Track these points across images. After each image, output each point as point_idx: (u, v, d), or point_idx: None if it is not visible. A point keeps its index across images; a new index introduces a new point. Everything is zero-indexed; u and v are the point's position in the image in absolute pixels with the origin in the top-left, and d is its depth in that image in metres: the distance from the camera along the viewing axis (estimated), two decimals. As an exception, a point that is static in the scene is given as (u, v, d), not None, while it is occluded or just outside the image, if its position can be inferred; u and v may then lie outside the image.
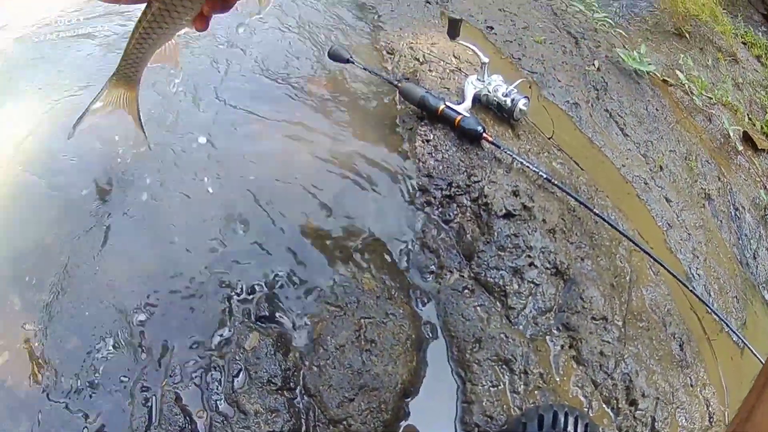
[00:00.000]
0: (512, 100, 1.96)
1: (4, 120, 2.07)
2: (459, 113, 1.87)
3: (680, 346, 1.92)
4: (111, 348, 1.43)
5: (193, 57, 2.26)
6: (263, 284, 1.53)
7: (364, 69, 2.01)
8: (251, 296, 1.51)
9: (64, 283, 1.54)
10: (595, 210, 1.91)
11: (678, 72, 3.10)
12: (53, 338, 1.44)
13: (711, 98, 3.21)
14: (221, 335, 1.45)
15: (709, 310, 1.99)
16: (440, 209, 1.74)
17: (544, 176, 1.86)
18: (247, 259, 1.58)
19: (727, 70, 3.67)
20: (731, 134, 3.02)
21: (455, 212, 1.74)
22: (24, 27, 2.63)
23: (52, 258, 1.59)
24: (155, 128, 1.94)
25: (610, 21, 3.06)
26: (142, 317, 1.48)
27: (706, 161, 2.79)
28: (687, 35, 3.55)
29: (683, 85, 3.07)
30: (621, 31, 3.05)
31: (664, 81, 3.00)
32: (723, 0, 4.38)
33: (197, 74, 2.18)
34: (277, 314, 1.50)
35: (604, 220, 1.91)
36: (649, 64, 2.85)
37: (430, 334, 1.59)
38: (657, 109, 2.67)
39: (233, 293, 1.51)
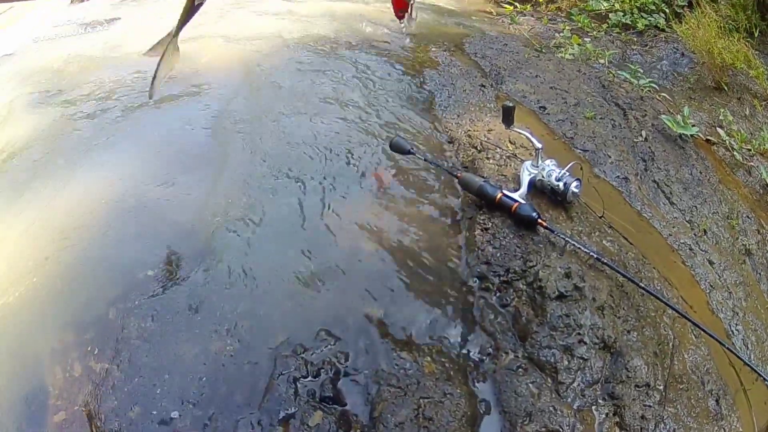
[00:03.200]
0: (564, 183, 1.81)
1: (73, 197, 2.06)
2: (515, 200, 1.73)
3: (716, 401, 1.76)
4: (173, 420, 1.37)
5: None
6: (328, 368, 1.47)
7: (425, 160, 1.87)
8: (317, 378, 1.45)
9: (126, 355, 1.50)
10: (641, 284, 1.76)
11: (719, 129, 2.80)
12: (112, 405, 1.40)
13: (750, 149, 2.87)
14: (287, 412, 1.39)
15: (745, 363, 1.80)
16: (498, 294, 1.63)
17: (595, 256, 1.70)
18: (313, 344, 1.52)
19: (764, 116, 3.29)
20: (769, 183, 2.68)
21: (512, 297, 1.62)
22: (83, 102, 2.65)
23: (115, 332, 1.55)
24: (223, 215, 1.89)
25: (654, 86, 2.80)
26: (207, 393, 1.42)
27: (746, 216, 2.52)
28: (725, 87, 3.19)
29: (725, 142, 2.75)
30: (665, 94, 2.79)
31: (708, 140, 2.71)
32: (756, 41, 3.93)
33: (260, 163, 2.13)
34: (340, 395, 1.43)
35: (649, 292, 1.77)
36: (693, 126, 2.59)
37: (485, 411, 1.49)
38: (701, 172, 2.42)
39: (299, 375, 1.45)
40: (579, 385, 1.56)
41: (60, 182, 2.12)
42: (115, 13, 3.83)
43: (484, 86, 2.57)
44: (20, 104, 2.75)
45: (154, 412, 1.38)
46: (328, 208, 1.90)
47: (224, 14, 3.55)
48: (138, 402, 1.40)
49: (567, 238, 1.71)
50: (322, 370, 1.44)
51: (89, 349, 1.50)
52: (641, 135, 2.39)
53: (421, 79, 2.60)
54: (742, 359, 1.76)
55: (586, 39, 3.39)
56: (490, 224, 1.74)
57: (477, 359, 1.53)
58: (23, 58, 3.33)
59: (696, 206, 2.28)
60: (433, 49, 3.09)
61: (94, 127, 2.46)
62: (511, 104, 1.85)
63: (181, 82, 2.74)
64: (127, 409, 1.38)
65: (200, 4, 0.66)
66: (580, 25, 3.73)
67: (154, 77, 0.80)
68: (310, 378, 1.43)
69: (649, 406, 1.58)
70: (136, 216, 1.93)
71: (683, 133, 2.51)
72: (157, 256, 1.77)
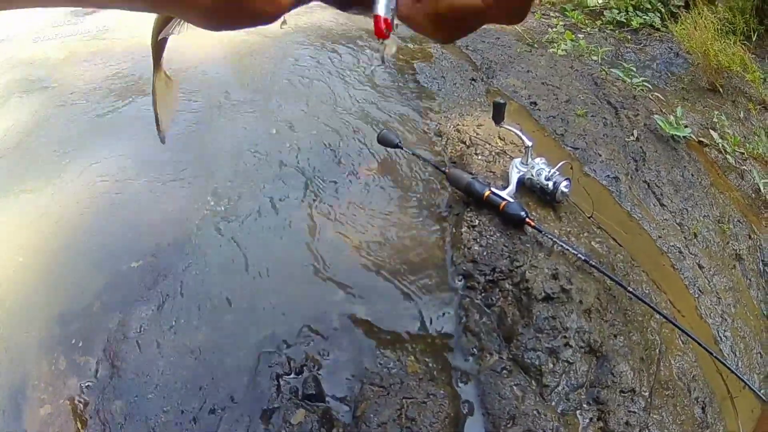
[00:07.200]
0: (554, 183, 1.82)
1: (60, 187, 2.06)
2: (504, 198, 1.74)
3: (702, 408, 1.79)
4: (156, 414, 1.38)
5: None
6: (311, 365, 1.47)
7: (413, 154, 1.88)
8: (299, 375, 1.45)
9: (111, 348, 1.50)
10: (629, 288, 1.77)
11: (712, 132, 2.84)
12: (98, 399, 1.41)
13: (743, 153, 2.93)
14: (269, 409, 1.39)
15: (731, 371, 1.83)
16: (483, 294, 1.63)
17: (583, 258, 1.71)
18: (296, 341, 1.52)
19: (758, 120, 3.36)
20: (762, 188, 2.74)
21: (497, 297, 1.62)
22: (74, 91, 2.62)
23: (99, 324, 1.56)
24: (212, 207, 1.89)
25: (647, 85, 2.84)
26: (188, 389, 1.42)
27: (738, 221, 2.56)
28: (720, 89, 3.25)
29: (717, 144, 2.80)
30: (658, 94, 2.82)
31: (700, 142, 2.75)
32: (753, 45, 4.01)
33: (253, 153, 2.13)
34: (323, 393, 1.43)
35: (637, 297, 1.77)
36: (686, 127, 2.62)
37: (468, 412, 1.49)
38: (693, 174, 2.45)
39: (282, 372, 1.45)
40: (564, 388, 1.56)
41: (48, 174, 2.11)
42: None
43: (474, 80, 2.57)
44: (9, 92, 2.72)
45: (137, 406, 1.38)
46: (313, 203, 1.90)
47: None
48: (121, 396, 1.40)
49: (555, 239, 1.72)
50: (305, 367, 1.44)
51: (74, 342, 1.51)
52: (633, 134, 2.41)
53: (412, 72, 2.59)
54: (728, 367, 1.78)
55: (579, 35, 3.42)
56: (478, 222, 1.73)
57: (461, 360, 1.53)
58: (14, 45, 3.28)
59: (687, 209, 2.31)
60: (424, 41, 3.10)
61: (84, 116, 2.45)
62: (502, 101, 1.86)
63: (174, 71, 2.72)
64: (111, 403, 1.39)
65: (165, 39, 0.65)
66: (573, 20, 3.76)
67: (157, 121, 0.75)
68: (293, 375, 1.43)
69: (634, 413, 1.59)
70: (122, 207, 1.93)
71: (675, 134, 2.54)
72: (142, 249, 1.76)
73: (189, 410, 1.38)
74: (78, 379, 1.44)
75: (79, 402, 1.41)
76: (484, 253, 1.67)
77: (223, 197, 1.92)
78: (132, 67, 2.81)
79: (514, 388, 1.53)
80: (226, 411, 1.38)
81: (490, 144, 2.03)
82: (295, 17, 3.34)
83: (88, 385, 1.43)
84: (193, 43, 2.98)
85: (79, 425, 1.36)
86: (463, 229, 1.74)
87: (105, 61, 2.90)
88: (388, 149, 2.01)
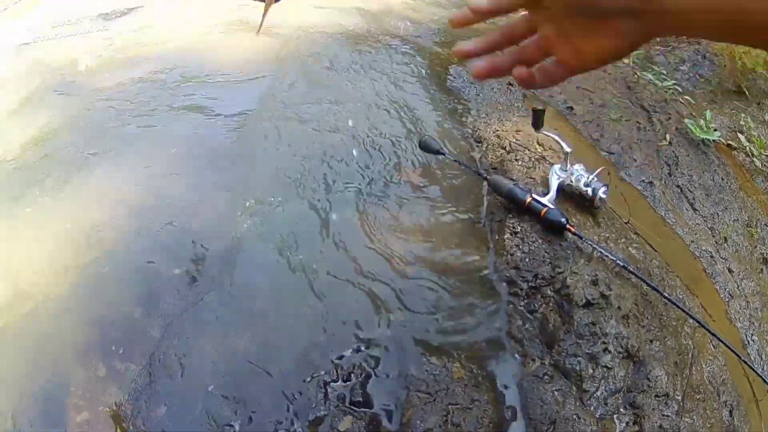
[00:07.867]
0: (593, 189, 1.84)
1: (96, 193, 2.06)
2: (545, 205, 1.75)
3: (730, 412, 1.82)
4: (200, 422, 1.39)
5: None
6: (358, 372, 1.49)
7: (455, 161, 1.90)
8: (347, 383, 1.47)
9: (152, 355, 1.51)
10: (665, 294, 1.79)
11: (740, 135, 2.84)
12: (138, 406, 1.42)
13: (769, 155, 2.93)
14: (317, 416, 1.41)
15: (758, 375, 1.86)
16: (526, 300, 1.65)
17: (621, 264, 1.73)
18: (342, 348, 1.54)
19: (783, 122, 3.35)
20: (788, 192, 2.75)
21: (539, 303, 1.64)
22: (103, 97, 2.61)
23: (141, 331, 1.56)
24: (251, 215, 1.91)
25: (678, 88, 2.82)
26: (234, 396, 1.43)
27: (765, 224, 2.57)
28: (746, 91, 3.24)
29: (745, 147, 2.80)
30: (688, 97, 2.81)
31: (728, 145, 2.75)
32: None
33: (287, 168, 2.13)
34: (370, 400, 1.45)
35: (673, 303, 1.80)
36: (715, 130, 2.63)
37: (511, 417, 1.52)
38: (722, 178, 2.46)
39: (330, 379, 1.47)
40: (602, 393, 1.59)
41: (85, 180, 2.10)
42: (137, 2, 3.71)
43: (511, 84, 2.56)
44: (38, 96, 2.70)
45: (180, 413, 1.39)
46: (355, 209, 1.91)
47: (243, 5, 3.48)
48: (162, 403, 1.41)
49: (594, 245, 1.74)
50: (352, 374, 1.46)
51: (114, 348, 1.51)
52: (666, 138, 2.41)
53: (449, 76, 2.60)
54: (756, 371, 1.80)
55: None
56: (520, 228, 1.75)
57: (504, 366, 1.55)
58: (41, 48, 3.25)
59: (718, 213, 2.32)
60: (459, 44, 3.06)
61: (116, 121, 2.42)
62: (541, 107, 1.87)
63: (208, 74, 2.72)
64: (151, 410, 1.39)
65: None
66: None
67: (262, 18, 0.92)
68: (340, 382, 1.45)
69: (668, 416, 1.62)
70: (163, 214, 1.92)
71: (706, 138, 2.55)
72: (184, 256, 1.77)
73: (234, 417, 1.40)
74: (117, 385, 1.45)
75: (118, 409, 1.42)
76: (527, 260, 1.69)
77: (264, 202, 1.93)
78: (164, 70, 2.77)
79: (556, 393, 1.56)
80: (273, 418, 1.40)
81: (529, 150, 2.05)
82: (321, 19, 3.32)
83: (128, 392, 1.44)
84: (231, 44, 2.98)
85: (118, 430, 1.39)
86: (505, 236, 1.75)
87: (136, 65, 2.86)
88: (429, 155, 2.02)
